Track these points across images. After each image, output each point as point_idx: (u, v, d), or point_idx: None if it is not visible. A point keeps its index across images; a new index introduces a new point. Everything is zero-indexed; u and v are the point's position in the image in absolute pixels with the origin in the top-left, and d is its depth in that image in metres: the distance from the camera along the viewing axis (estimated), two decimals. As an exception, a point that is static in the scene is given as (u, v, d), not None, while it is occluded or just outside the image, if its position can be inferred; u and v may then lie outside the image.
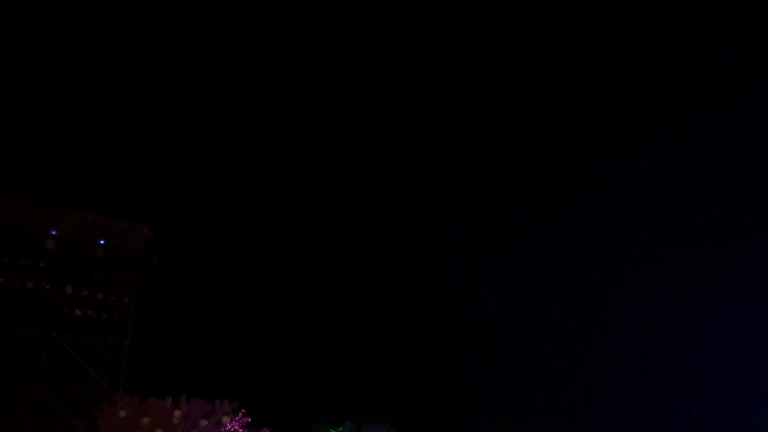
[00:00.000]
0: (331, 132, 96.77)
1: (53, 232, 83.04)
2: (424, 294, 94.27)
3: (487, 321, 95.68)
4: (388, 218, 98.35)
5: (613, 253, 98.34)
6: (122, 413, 67.31)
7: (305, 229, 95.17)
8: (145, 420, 67.06)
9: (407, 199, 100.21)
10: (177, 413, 67.58)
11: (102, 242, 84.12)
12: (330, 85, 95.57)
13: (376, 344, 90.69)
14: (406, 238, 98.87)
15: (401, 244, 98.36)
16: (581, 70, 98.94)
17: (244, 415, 69.66)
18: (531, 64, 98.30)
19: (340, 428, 75.73)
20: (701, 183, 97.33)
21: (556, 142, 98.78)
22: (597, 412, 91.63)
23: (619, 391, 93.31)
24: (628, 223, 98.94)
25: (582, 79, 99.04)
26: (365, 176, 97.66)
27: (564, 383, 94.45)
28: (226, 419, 69.01)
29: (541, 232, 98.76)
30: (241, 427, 69.48)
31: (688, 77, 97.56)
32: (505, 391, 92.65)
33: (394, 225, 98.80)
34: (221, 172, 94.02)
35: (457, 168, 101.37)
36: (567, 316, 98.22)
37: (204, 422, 68.35)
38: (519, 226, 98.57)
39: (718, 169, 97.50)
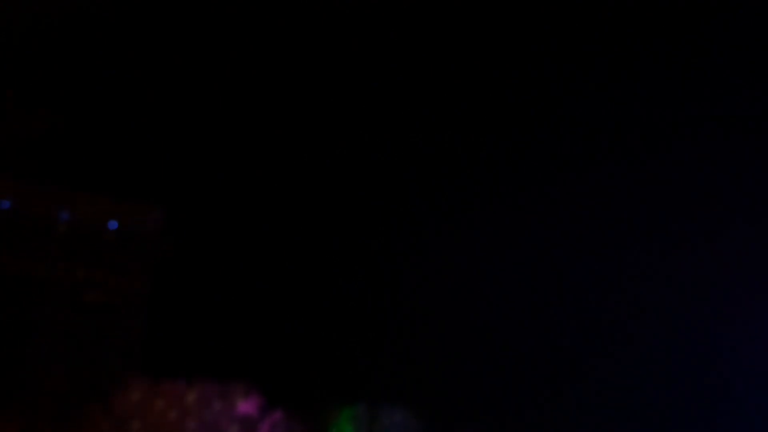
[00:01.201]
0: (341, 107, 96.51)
1: (65, 215, 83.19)
2: (440, 277, 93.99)
3: (504, 306, 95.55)
4: (407, 196, 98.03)
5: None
6: (136, 395, 67.43)
7: (320, 210, 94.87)
8: (159, 402, 67.22)
9: (428, 177, 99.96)
10: (191, 395, 67.70)
11: (114, 224, 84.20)
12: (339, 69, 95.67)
13: (391, 325, 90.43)
14: (424, 216, 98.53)
15: (419, 224, 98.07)
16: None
17: (257, 396, 69.68)
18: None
19: (353, 409, 75.69)
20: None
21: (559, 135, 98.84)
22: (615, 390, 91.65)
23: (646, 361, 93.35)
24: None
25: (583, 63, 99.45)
26: (384, 161, 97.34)
27: (580, 365, 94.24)
28: (239, 400, 69.08)
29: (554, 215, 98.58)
30: (254, 409, 69.54)
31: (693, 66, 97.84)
32: (521, 376, 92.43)
33: (414, 203, 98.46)
34: (233, 154, 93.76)
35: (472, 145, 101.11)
36: (586, 298, 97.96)
37: (218, 404, 68.45)
38: (530, 211, 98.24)
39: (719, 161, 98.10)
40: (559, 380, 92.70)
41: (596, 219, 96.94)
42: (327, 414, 75.88)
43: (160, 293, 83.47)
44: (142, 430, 66.66)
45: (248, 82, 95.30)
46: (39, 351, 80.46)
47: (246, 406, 69.29)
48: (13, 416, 69.51)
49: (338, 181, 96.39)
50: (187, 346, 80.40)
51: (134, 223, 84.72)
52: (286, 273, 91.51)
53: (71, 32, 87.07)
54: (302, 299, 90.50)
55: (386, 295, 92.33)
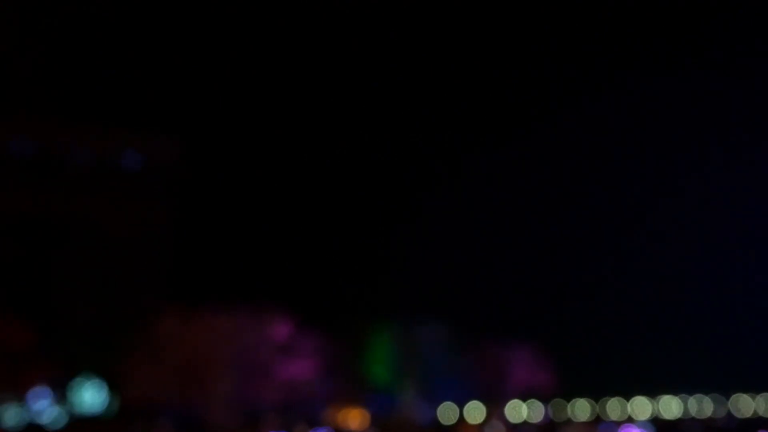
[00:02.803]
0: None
1: (84, 150, 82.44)
2: (470, 193, 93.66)
3: (535, 222, 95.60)
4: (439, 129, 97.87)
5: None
6: (169, 325, 67.19)
7: (344, 136, 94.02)
8: (193, 330, 66.96)
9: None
10: (224, 321, 67.39)
11: (134, 156, 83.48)
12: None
13: (424, 241, 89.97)
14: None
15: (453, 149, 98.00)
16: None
17: (292, 320, 69.34)
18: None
19: (388, 327, 75.53)
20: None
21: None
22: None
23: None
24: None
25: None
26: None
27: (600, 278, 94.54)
28: (274, 325, 68.79)
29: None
30: (289, 332, 69.24)
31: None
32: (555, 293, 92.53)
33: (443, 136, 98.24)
34: (250, 79, 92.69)
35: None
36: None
37: (252, 329, 68.16)
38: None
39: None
40: (585, 296, 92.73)
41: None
42: (362, 333, 75.77)
43: (184, 222, 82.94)
44: (176, 359, 66.45)
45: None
46: (69, 289, 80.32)
47: (280, 329, 68.95)
48: (52, 355, 69.54)
49: (365, 107, 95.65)
50: (217, 273, 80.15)
51: (153, 154, 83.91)
52: (313, 194, 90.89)
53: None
54: (330, 220, 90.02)
55: (416, 212, 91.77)
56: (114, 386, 69.95)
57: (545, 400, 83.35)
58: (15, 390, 67.38)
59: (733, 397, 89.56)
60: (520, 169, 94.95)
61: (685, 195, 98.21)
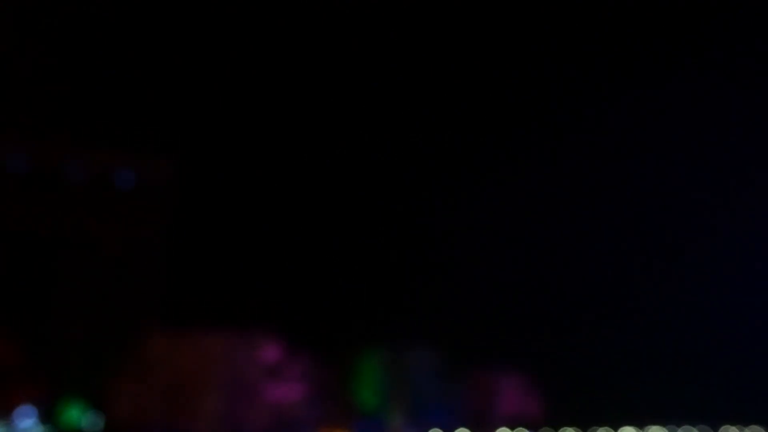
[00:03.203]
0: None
1: (77, 169, 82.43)
2: (463, 218, 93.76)
3: (527, 247, 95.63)
4: (430, 151, 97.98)
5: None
6: (160, 346, 67.14)
7: (335, 157, 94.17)
8: (183, 351, 66.93)
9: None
10: (214, 343, 67.40)
11: (126, 176, 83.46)
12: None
13: (414, 267, 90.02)
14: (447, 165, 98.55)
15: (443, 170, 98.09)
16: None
17: (281, 342, 69.36)
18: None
19: (377, 352, 75.52)
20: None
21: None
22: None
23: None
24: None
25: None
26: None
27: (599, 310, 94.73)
28: (263, 347, 68.79)
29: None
30: (279, 354, 69.24)
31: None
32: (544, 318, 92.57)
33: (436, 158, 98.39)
34: (243, 99, 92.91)
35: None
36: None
37: (242, 351, 68.14)
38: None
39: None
40: (578, 322, 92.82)
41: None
42: (351, 358, 75.74)
43: (175, 242, 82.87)
44: (164, 379, 66.39)
45: (259, 37, 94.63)
46: (58, 308, 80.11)
47: (269, 352, 68.97)
48: (39, 373, 69.35)
49: (361, 131, 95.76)
50: (208, 295, 79.99)
51: (146, 173, 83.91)
52: (304, 217, 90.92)
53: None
54: (322, 243, 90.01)
55: (407, 236, 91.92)
56: (101, 406, 69.71)
57: (533, 429, 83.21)
58: (1, 408, 67.05)
59: (722, 428, 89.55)
60: (510, 198, 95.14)
61: (678, 226, 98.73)
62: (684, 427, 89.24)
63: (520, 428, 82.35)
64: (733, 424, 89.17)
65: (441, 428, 78.49)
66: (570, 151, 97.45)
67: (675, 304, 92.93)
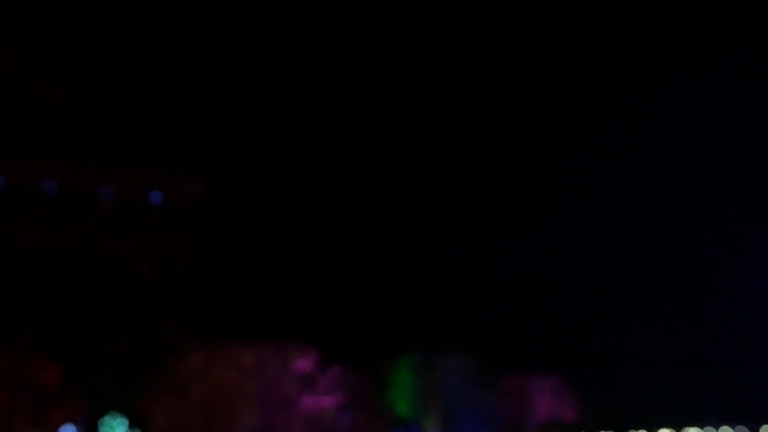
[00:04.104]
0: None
1: (109, 191, 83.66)
2: (493, 224, 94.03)
3: (558, 254, 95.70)
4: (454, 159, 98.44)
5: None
6: (195, 362, 67.73)
7: (363, 170, 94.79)
8: (218, 366, 67.48)
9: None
10: (248, 357, 67.89)
11: (157, 196, 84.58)
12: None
13: (446, 274, 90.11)
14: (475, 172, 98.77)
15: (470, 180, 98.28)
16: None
17: (314, 353, 69.75)
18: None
19: (410, 359, 75.59)
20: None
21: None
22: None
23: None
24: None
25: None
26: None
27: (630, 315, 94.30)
28: (297, 359, 69.20)
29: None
30: (312, 366, 69.64)
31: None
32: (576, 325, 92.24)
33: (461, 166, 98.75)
34: (269, 116, 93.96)
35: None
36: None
37: (275, 363, 68.62)
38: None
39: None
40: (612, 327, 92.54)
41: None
42: (385, 367, 75.94)
43: (208, 259, 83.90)
44: (203, 395, 66.97)
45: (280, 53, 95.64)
46: (95, 328, 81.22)
47: (303, 363, 69.38)
48: (79, 393, 70.21)
49: (383, 146, 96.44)
50: (241, 309, 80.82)
51: (177, 193, 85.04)
52: (335, 231, 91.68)
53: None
54: (354, 255, 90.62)
55: (440, 247, 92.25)
56: (140, 422, 70.43)
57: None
58: (44, 427, 68.02)
59: (763, 428, 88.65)
60: (543, 203, 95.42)
61: (705, 231, 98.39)
62: (723, 427, 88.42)
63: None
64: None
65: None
66: (608, 163, 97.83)
67: (714, 305, 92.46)
